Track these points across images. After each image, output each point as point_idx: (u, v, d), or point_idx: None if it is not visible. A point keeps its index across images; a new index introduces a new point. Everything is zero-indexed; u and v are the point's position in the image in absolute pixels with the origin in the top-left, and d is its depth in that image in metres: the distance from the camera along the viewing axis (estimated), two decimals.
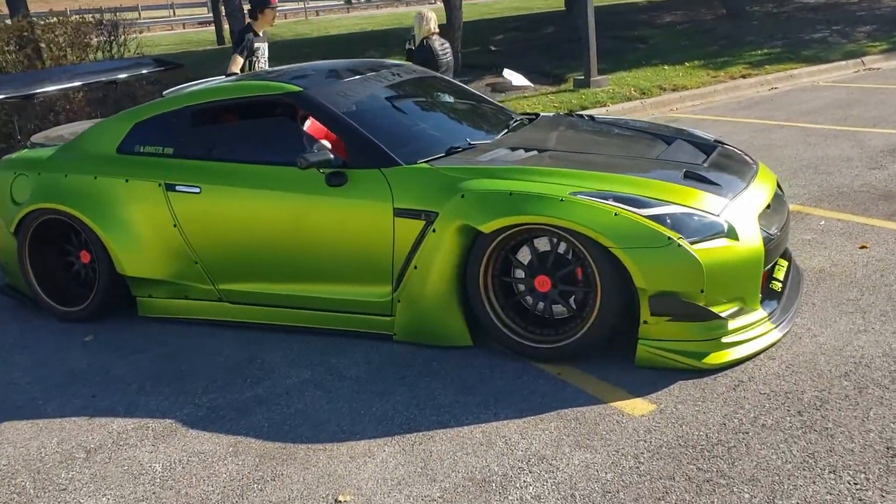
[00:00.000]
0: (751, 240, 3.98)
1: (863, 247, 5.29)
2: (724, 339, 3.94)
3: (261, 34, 7.61)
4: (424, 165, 4.37)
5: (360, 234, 4.41)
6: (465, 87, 5.82)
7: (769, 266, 4.26)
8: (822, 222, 5.84)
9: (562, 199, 3.95)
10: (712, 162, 4.51)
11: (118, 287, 5.11)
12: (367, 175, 4.40)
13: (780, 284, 4.42)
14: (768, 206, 4.38)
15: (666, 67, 13.34)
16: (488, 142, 4.68)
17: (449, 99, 5.50)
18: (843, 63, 13.09)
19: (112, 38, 11.01)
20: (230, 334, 4.83)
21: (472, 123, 5.16)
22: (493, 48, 16.13)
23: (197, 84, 5.57)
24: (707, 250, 3.85)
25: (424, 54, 7.46)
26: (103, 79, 6.37)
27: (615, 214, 3.87)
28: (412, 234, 4.26)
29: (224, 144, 4.91)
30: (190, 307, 5.03)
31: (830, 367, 3.83)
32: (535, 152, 4.47)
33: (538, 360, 4.14)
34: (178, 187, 4.85)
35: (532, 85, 12.64)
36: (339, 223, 4.46)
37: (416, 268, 4.27)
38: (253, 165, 4.70)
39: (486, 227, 4.06)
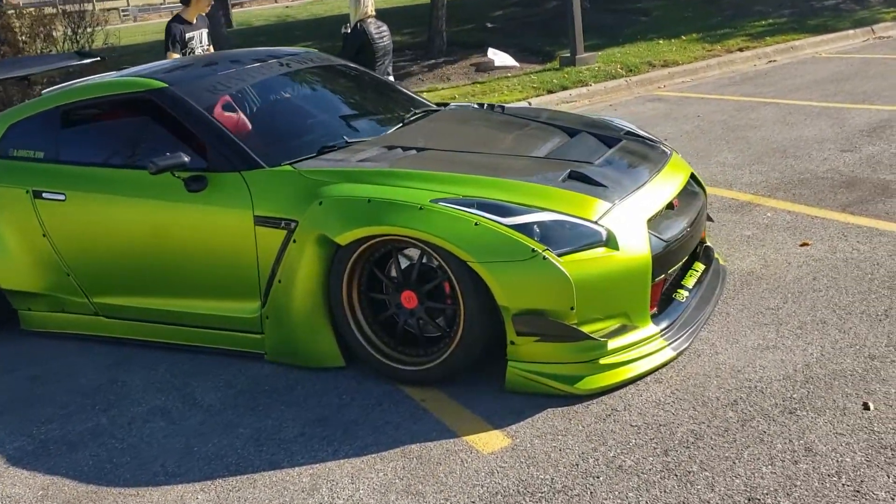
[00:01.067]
0: (635, 248, 3.53)
1: (804, 244, 4.78)
2: (603, 361, 3.50)
3: (194, 21, 7.22)
4: (287, 168, 3.97)
5: (222, 244, 4.03)
6: (377, 76, 5.38)
7: (667, 274, 3.79)
8: (769, 215, 5.32)
9: (420, 208, 3.52)
10: (609, 158, 4.04)
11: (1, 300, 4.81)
12: (227, 179, 4.02)
13: (686, 294, 3.94)
14: (671, 206, 3.90)
15: (661, 42, 12.70)
16: (367, 140, 4.25)
17: (345, 91, 5.08)
18: (850, 32, 12.35)
19: (78, 28, 10.73)
20: (103, 352, 4.51)
21: (361, 118, 4.75)
22: (488, 25, 15.57)
23: (82, 81, 5.21)
24: (579, 262, 3.41)
25: (359, 38, 7.01)
26: (15, 75, 6.03)
27: (475, 224, 3.44)
28: (275, 245, 3.87)
29: (89, 147, 4.57)
30: (68, 321, 4.71)
31: (720, 394, 3.38)
32: (413, 152, 4.04)
33: (406, 384, 3.74)
34: (44, 194, 4.52)
35: (517, 64, 12.11)
36: (200, 232, 4.09)
37: (280, 282, 3.88)
38: (115, 170, 4.35)
39: (342, 239, 3.67)
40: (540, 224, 3.47)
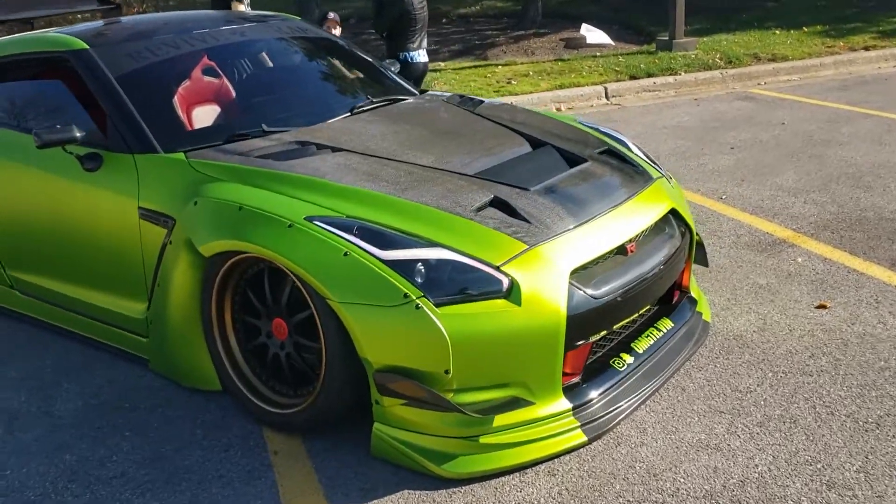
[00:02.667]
0: (545, 305, 2.82)
1: (821, 306, 3.89)
2: (485, 440, 2.84)
3: None
4: (179, 156, 3.44)
5: (110, 233, 3.57)
6: (358, 53, 4.74)
7: (597, 337, 3.06)
8: (800, 260, 4.42)
9: (290, 226, 2.93)
10: (555, 184, 3.29)
11: None
12: (120, 161, 3.53)
13: (629, 361, 3.20)
14: (623, 252, 3.15)
15: (777, 32, 11.42)
16: (288, 130, 3.65)
17: (305, 68, 4.48)
18: None
19: None
20: (9, 331, 4.15)
21: (305, 103, 4.12)
22: None
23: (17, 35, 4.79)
24: (465, 316, 2.74)
25: (397, 6, 6.38)
26: (19, 16, 5.73)
27: (344, 255, 2.81)
28: (156, 243, 3.37)
29: (8, 109, 4.16)
30: None
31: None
32: (327, 151, 3.42)
33: (271, 427, 3.18)
34: None
35: (612, 43, 11.15)
36: (91, 217, 3.64)
37: (159, 286, 3.39)
38: (23, 134, 3.93)
39: (204, 250, 3.13)
40: (426, 263, 2.81)
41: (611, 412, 3.03)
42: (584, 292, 2.95)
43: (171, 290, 3.32)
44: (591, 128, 4.07)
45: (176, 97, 3.84)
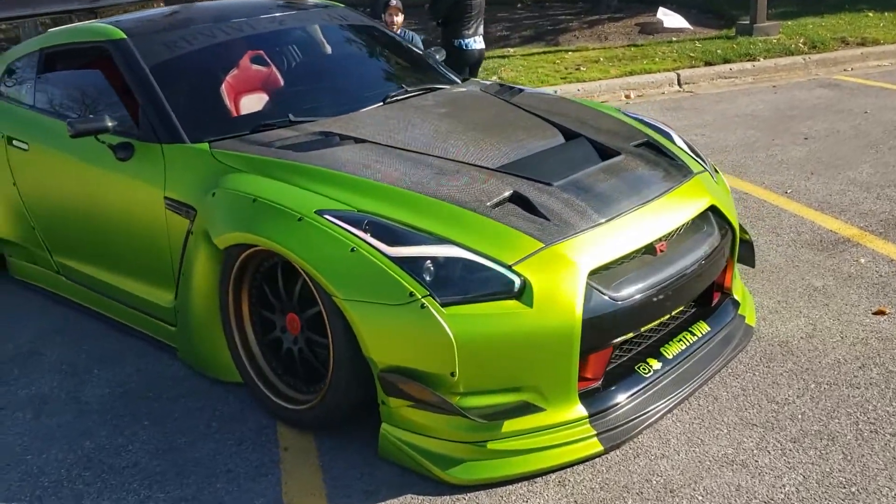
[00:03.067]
0: (559, 308, 2.69)
1: (880, 312, 3.62)
2: (493, 446, 2.73)
3: None
4: (203, 146, 3.41)
5: (141, 222, 3.58)
6: (400, 40, 4.64)
7: (619, 341, 2.92)
8: (863, 261, 4.13)
9: (300, 219, 2.87)
10: (581, 179, 3.13)
11: None
12: (150, 151, 3.54)
13: (657, 366, 3.04)
14: (652, 251, 2.98)
15: (870, 14, 10.81)
16: (314, 120, 3.59)
17: (343, 57, 4.40)
18: None
19: None
20: (53, 316, 4.25)
21: (338, 92, 4.04)
22: None
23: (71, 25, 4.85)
24: (473, 316, 2.63)
25: None
26: (74, 7, 5.83)
27: (351, 250, 2.73)
28: (181, 233, 3.37)
29: (53, 96, 4.23)
30: (39, 275, 4.50)
31: None
32: (350, 142, 3.34)
33: (285, 422, 3.15)
34: (14, 141, 4.27)
35: (689, 27, 10.75)
36: (123, 205, 3.67)
37: (183, 275, 3.39)
38: None
39: (219, 242, 3.10)
40: (435, 260, 2.70)
41: (631, 421, 2.88)
42: (604, 294, 2.79)
43: (193, 281, 3.31)
44: (635, 119, 3.88)
45: (210, 86, 3.82)
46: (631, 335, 2.96)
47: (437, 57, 4.76)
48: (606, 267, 2.86)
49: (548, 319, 2.68)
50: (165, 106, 3.57)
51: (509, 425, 2.72)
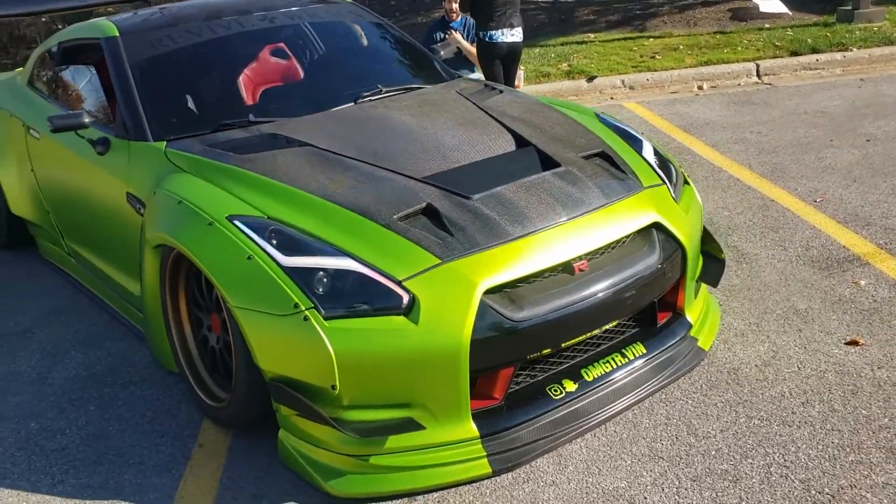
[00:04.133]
0: (447, 325, 2.66)
1: (853, 342, 3.37)
2: (376, 461, 2.73)
3: None
4: (159, 145, 3.54)
5: (113, 214, 3.76)
6: (401, 35, 4.62)
7: (522, 361, 2.85)
8: (862, 284, 3.84)
9: (210, 224, 2.94)
10: (505, 192, 3.05)
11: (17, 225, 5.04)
12: (120, 146, 3.71)
13: (571, 389, 2.95)
14: (569, 270, 2.89)
15: None
16: (272, 121, 3.64)
17: (329, 54, 4.40)
18: None
19: None
20: (59, 297, 4.52)
21: (312, 92, 4.08)
22: None
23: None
24: (357, 331, 2.64)
25: None
26: (75, 3, 6.02)
27: (248, 258, 2.78)
28: (137, 228, 3.51)
29: (62, 90, 4.48)
30: (57, 256, 4.79)
31: None
32: (295, 146, 3.37)
33: (209, 419, 3.25)
34: (31, 130, 4.55)
35: (788, 13, 10.13)
36: (101, 197, 3.86)
37: (139, 268, 3.54)
38: None
39: (150, 240, 3.21)
40: (327, 272, 2.71)
41: (528, 445, 2.81)
42: (501, 314, 2.72)
43: (143, 275, 3.44)
44: (609, 126, 3.73)
45: (185, 84, 3.93)
46: (540, 354, 2.88)
47: (442, 53, 4.72)
48: (510, 285, 2.78)
49: (434, 337, 2.64)
50: (137, 103, 3.72)
51: (395, 441, 2.71)
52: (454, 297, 2.69)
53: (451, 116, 3.70)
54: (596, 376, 3.02)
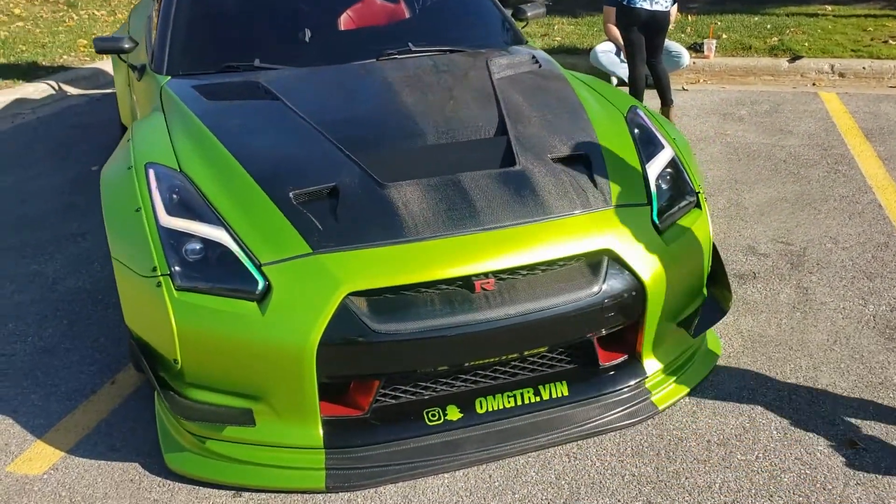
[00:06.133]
0: (296, 322, 2.44)
1: (852, 444, 2.69)
2: (212, 446, 2.62)
3: None
4: (165, 79, 3.54)
5: None
6: None
7: (394, 376, 2.58)
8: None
9: (129, 168, 2.90)
10: (428, 185, 2.70)
11: None
12: (146, 76, 3.81)
13: (448, 418, 2.63)
14: (469, 287, 2.54)
15: None
16: (273, 68, 3.51)
17: (386, 6, 4.11)
18: None
19: None
20: None
21: (343, 41, 3.83)
22: None
23: None
24: (204, 308, 2.50)
25: None
26: None
27: (136, 210, 2.72)
28: None
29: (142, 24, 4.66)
30: None
31: None
32: (266, 100, 3.21)
33: None
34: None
35: None
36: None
37: None
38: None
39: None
40: (200, 241, 2.58)
41: (379, 468, 2.54)
42: (363, 322, 2.44)
43: None
44: (633, 124, 3.18)
45: (219, 22, 3.87)
46: (399, 372, 2.56)
47: (529, 13, 4.29)
48: (387, 292, 2.48)
49: (278, 332, 2.43)
50: (167, 36, 3.75)
51: (234, 431, 2.56)
52: (312, 294, 2.45)
53: (452, 89, 3.34)
54: (490, 410, 2.66)
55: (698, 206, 2.99)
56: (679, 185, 2.99)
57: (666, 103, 5.86)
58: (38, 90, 7.23)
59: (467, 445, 2.60)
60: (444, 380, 2.68)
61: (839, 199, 4.57)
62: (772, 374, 3.04)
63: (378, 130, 2.99)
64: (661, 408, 2.81)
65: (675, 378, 2.89)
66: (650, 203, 2.84)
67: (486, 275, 2.54)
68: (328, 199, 2.65)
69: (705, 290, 3.04)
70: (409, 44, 3.72)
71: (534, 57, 3.71)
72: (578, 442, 2.70)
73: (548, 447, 2.65)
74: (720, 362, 3.12)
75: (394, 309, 2.48)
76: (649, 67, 5.84)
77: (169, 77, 3.54)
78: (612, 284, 2.65)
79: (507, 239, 2.59)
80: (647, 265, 2.71)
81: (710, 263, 3.05)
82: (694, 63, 7.37)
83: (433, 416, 2.62)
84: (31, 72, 7.57)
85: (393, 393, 2.65)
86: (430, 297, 2.51)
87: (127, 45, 3.78)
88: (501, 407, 2.66)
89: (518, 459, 2.64)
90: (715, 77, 7.36)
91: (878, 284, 3.63)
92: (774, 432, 2.73)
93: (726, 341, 3.25)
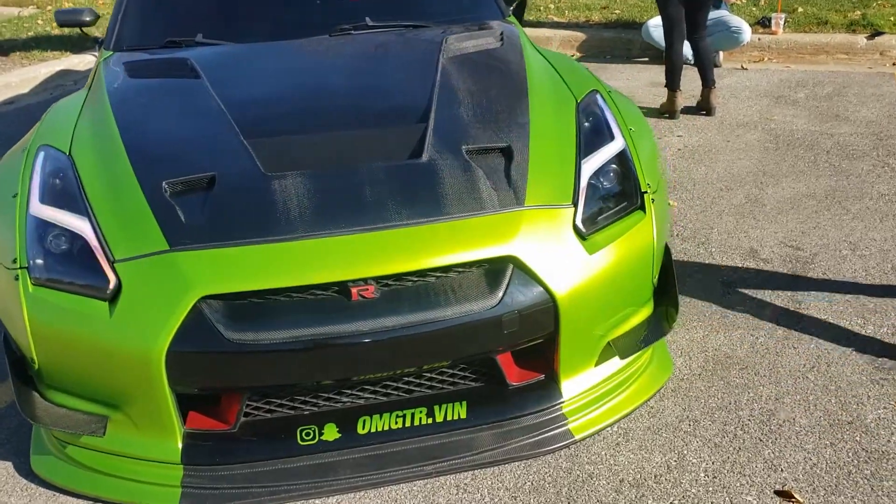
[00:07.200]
0: (142, 325, 2.24)
1: (786, 495, 2.29)
2: (71, 452, 2.47)
3: None
4: (107, 55, 3.41)
5: None
6: None
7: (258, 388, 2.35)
8: None
9: (24, 150, 2.77)
10: (315, 178, 2.43)
11: None
12: (102, 52, 3.64)
13: (323, 438, 2.38)
14: (346, 294, 2.27)
15: None
16: (223, 45, 3.30)
17: None
18: None
19: None
20: None
21: (304, 15, 3.55)
22: None
23: None
24: (56, 307, 2.32)
25: None
26: None
27: (13, 195, 2.57)
28: None
29: None
30: None
31: None
32: (192, 77, 2.98)
33: None
34: None
35: None
36: None
37: None
38: None
39: None
40: (63, 232, 2.41)
41: (236, 489, 2.32)
42: (216, 329, 2.21)
43: None
44: (586, 113, 2.80)
45: None
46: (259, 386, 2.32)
47: None
48: (248, 296, 2.24)
49: (124, 336, 2.23)
50: (120, 10, 3.60)
51: (92, 439, 2.38)
52: (162, 296, 2.23)
53: (391, 71, 3.05)
54: (373, 431, 2.39)
55: (642, 208, 2.60)
56: (623, 185, 2.61)
57: (707, 84, 5.37)
58: (83, 62, 7.29)
59: (341, 469, 2.34)
60: (327, 395, 2.42)
61: (876, 198, 4.03)
62: (724, 403, 2.64)
63: (287, 115, 2.74)
64: (577, 437, 2.47)
65: (601, 403, 2.54)
66: (575, 204, 2.48)
67: (364, 280, 2.25)
68: (203, 190, 2.42)
69: (649, 306, 2.66)
70: (367, 18, 3.43)
71: (502, 34, 3.36)
72: (475, 472, 2.39)
73: (434, 476, 2.36)
74: (670, 385, 2.74)
75: (255, 316, 2.23)
76: (690, 45, 5.36)
77: (111, 53, 3.38)
78: (514, 297, 2.32)
79: (394, 241, 2.30)
80: (562, 276, 2.36)
81: (657, 274, 2.66)
82: (759, 39, 6.77)
83: (307, 434, 2.37)
84: (80, 43, 7.64)
85: (267, 406, 2.41)
86: (298, 304, 2.25)
87: (88, 18, 3.64)
88: (386, 428, 2.39)
89: (399, 488, 2.36)
90: (782, 55, 6.74)
91: (888, 302, 3.15)
92: (702, 475, 2.35)
93: (686, 360, 2.87)
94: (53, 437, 2.47)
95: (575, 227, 2.44)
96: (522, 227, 2.37)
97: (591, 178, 2.57)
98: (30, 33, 7.88)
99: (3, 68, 6.99)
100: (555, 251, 2.38)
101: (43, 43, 7.62)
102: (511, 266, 2.33)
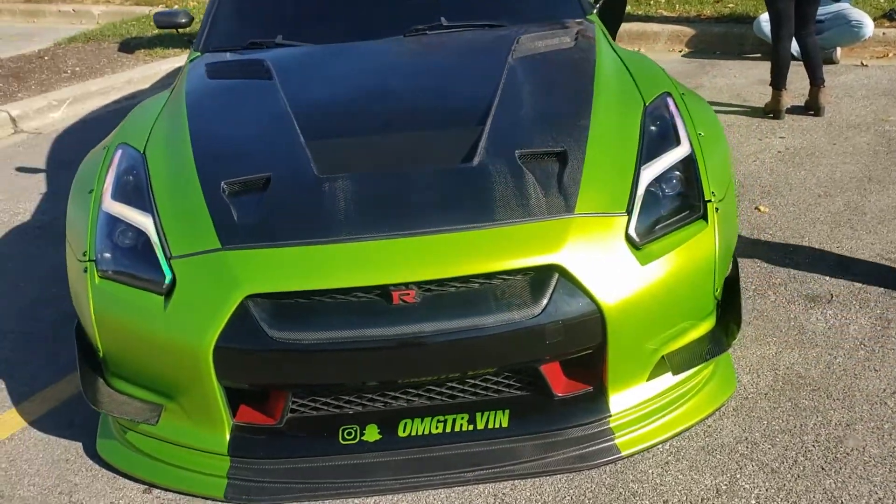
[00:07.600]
0: (193, 321, 2.31)
1: None
2: (132, 438, 2.59)
3: None
4: (195, 55, 3.57)
5: None
6: None
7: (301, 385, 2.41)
8: None
9: (105, 147, 2.93)
10: (366, 181, 2.46)
11: None
12: (193, 53, 3.82)
13: (364, 438, 2.41)
14: (386, 297, 2.29)
15: None
16: (293, 44, 3.38)
17: None
18: None
19: None
20: None
21: (376, 17, 3.57)
22: None
23: None
24: (119, 299, 2.44)
25: None
26: None
27: (89, 191, 2.73)
28: None
29: None
30: None
31: None
32: (266, 79, 3.07)
33: None
34: None
35: None
36: None
37: None
38: None
39: None
40: (130, 227, 2.53)
41: (278, 484, 2.37)
42: (261, 327, 2.27)
43: None
44: (653, 117, 2.70)
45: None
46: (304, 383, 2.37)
47: None
48: (292, 295, 2.28)
49: (177, 330, 2.32)
50: (211, 12, 3.75)
51: (150, 425, 2.48)
52: (212, 293, 2.30)
53: (458, 71, 3.05)
54: (414, 434, 2.39)
55: (705, 217, 2.49)
56: (685, 192, 2.51)
57: (815, 83, 5.09)
58: None
59: (380, 471, 2.35)
60: (370, 395, 2.44)
61: None
62: (788, 426, 2.50)
63: (349, 117, 2.78)
64: (624, 453, 2.39)
65: (653, 419, 2.45)
66: (629, 212, 2.40)
67: (405, 285, 2.25)
68: (258, 191, 2.48)
69: (710, 321, 2.54)
70: (442, 19, 3.42)
71: (577, 33, 3.28)
72: (514, 482, 2.36)
73: (474, 483, 2.34)
74: (732, 403, 2.62)
75: (299, 316, 2.27)
76: (798, 41, 5.09)
77: (199, 54, 3.51)
78: (559, 306, 2.27)
79: (436, 246, 2.29)
80: (611, 287, 2.29)
81: (720, 287, 2.54)
82: (884, 34, 6.37)
83: (348, 434, 2.40)
84: None
85: (312, 404, 2.46)
86: (340, 306, 2.27)
87: (183, 20, 3.80)
88: (427, 432, 2.38)
89: (437, 493, 2.35)
90: None
91: None
92: (753, 502, 2.24)
93: (753, 378, 2.73)
94: (117, 422, 2.59)
95: (627, 237, 2.36)
96: (570, 235, 2.32)
97: (650, 185, 2.48)
98: (154, 32, 8.27)
99: (126, 65, 7.38)
100: (604, 261, 2.31)
101: (166, 41, 7.98)
102: (556, 275, 2.28)
